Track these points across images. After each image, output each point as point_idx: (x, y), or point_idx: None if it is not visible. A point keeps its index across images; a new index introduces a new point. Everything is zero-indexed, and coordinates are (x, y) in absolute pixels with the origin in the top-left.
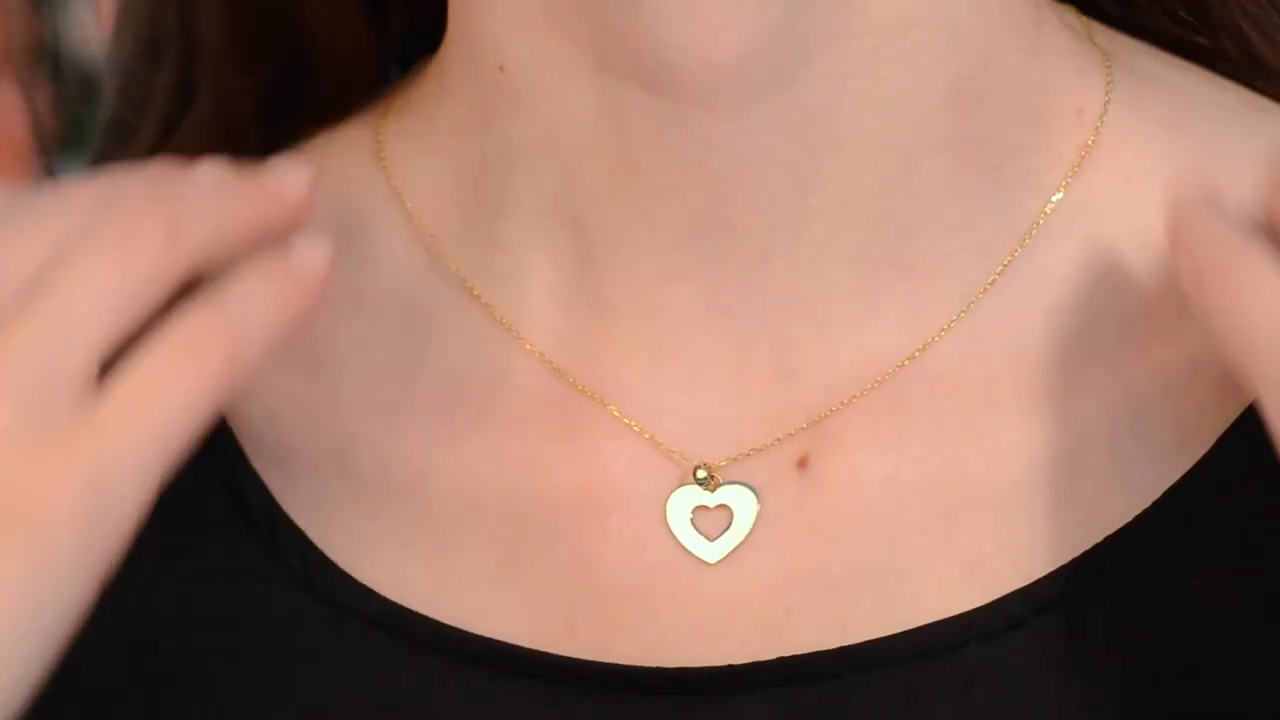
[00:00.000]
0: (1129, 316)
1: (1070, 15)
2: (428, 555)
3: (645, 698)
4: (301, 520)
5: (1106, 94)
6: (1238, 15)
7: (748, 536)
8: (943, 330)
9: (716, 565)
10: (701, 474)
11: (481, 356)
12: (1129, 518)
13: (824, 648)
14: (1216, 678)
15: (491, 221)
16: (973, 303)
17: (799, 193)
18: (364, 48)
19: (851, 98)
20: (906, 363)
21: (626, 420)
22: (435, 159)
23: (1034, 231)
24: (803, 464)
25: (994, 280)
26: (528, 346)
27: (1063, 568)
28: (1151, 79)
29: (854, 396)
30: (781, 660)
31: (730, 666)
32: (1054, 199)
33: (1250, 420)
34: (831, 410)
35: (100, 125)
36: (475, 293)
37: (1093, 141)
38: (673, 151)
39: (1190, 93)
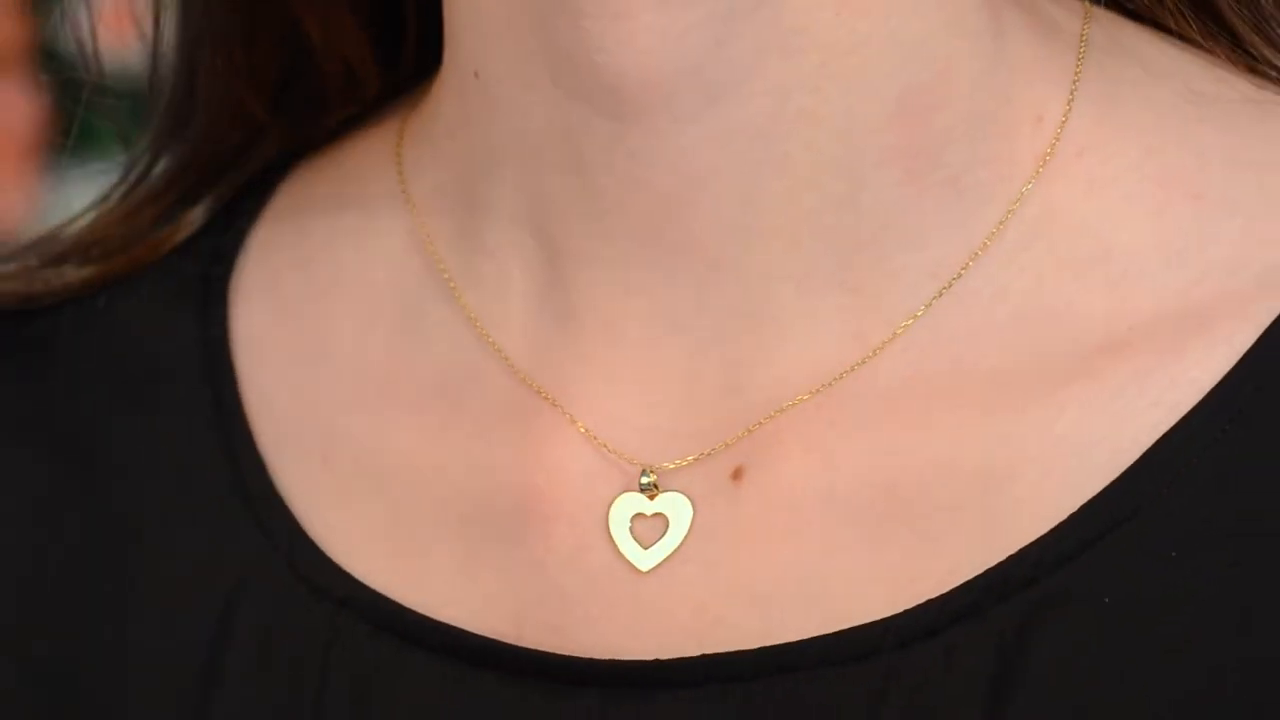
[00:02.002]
0: (1081, 334)
1: (1061, 13)
2: (399, 548)
3: (579, 689)
4: (291, 502)
5: (1069, 101)
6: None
7: (680, 546)
8: (883, 345)
9: (649, 573)
10: (645, 480)
11: (458, 358)
12: (1046, 531)
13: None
14: (1130, 690)
15: (477, 225)
16: (918, 317)
17: (745, 210)
18: (363, 48)
19: (794, 115)
20: (845, 376)
21: (581, 427)
22: (435, 160)
23: (988, 245)
24: (737, 475)
25: (941, 295)
26: (499, 350)
27: (978, 578)
28: (1133, 83)
29: (788, 406)
30: (704, 658)
31: (657, 661)
32: (1009, 213)
33: (1179, 438)
34: (765, 414)
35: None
36: (459, 294)
37: (1052, 150)
38: (619, 168)
39: (1183, 93)
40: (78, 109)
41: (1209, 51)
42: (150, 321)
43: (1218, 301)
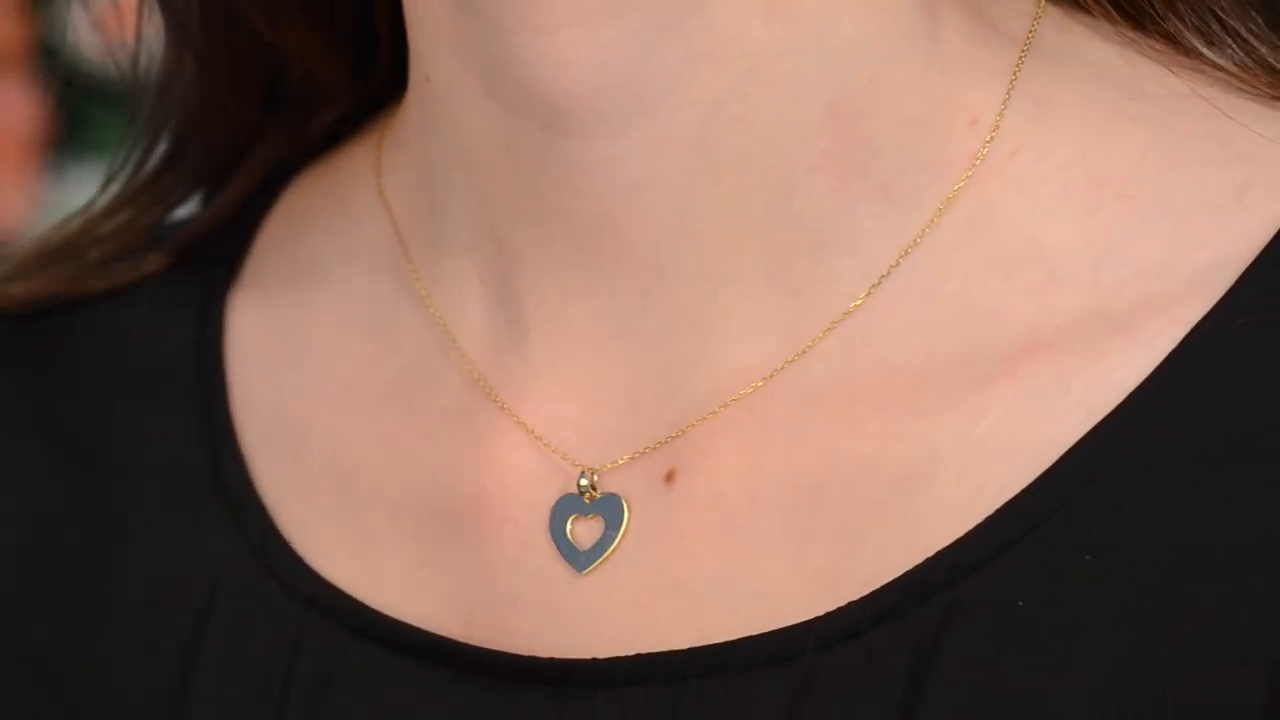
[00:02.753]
0: (1007, 335)
1: (1006, 13)
2: (360, 547)
3: (526, 687)
4: (266, 501)
5: (1004, 103)
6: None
7: (615, 548)
8: (812, 344)
9: (585, 575)
10: (583, 482)
11: (419, 360)
12: (964, 533)
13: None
14: (1041, 693)
15: (440, 228)
16: (847, 316)
17: (679, 218)
18: (329, 59)
19: (725, 123)
20: (775, 375)
21: (527, 429)
22: (405, 162)
23: (918, 245)
24: (670, 477)
25: (870, 294)
26: (456, 353)
27: (897, 580)
28: (1073, 83)
29: (721, 407)
30: (638, 657)
31: (594, 660)
32: (941, 213)
33: (1098, 440)
34: (699, 420)
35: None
36: (425, 297)
37: (985, 150)
38: (555, 177)
39: (1125, 91)
40: (77, 109)
41: (1159, 49)
42: (152, 325)
43: (1145, 302)
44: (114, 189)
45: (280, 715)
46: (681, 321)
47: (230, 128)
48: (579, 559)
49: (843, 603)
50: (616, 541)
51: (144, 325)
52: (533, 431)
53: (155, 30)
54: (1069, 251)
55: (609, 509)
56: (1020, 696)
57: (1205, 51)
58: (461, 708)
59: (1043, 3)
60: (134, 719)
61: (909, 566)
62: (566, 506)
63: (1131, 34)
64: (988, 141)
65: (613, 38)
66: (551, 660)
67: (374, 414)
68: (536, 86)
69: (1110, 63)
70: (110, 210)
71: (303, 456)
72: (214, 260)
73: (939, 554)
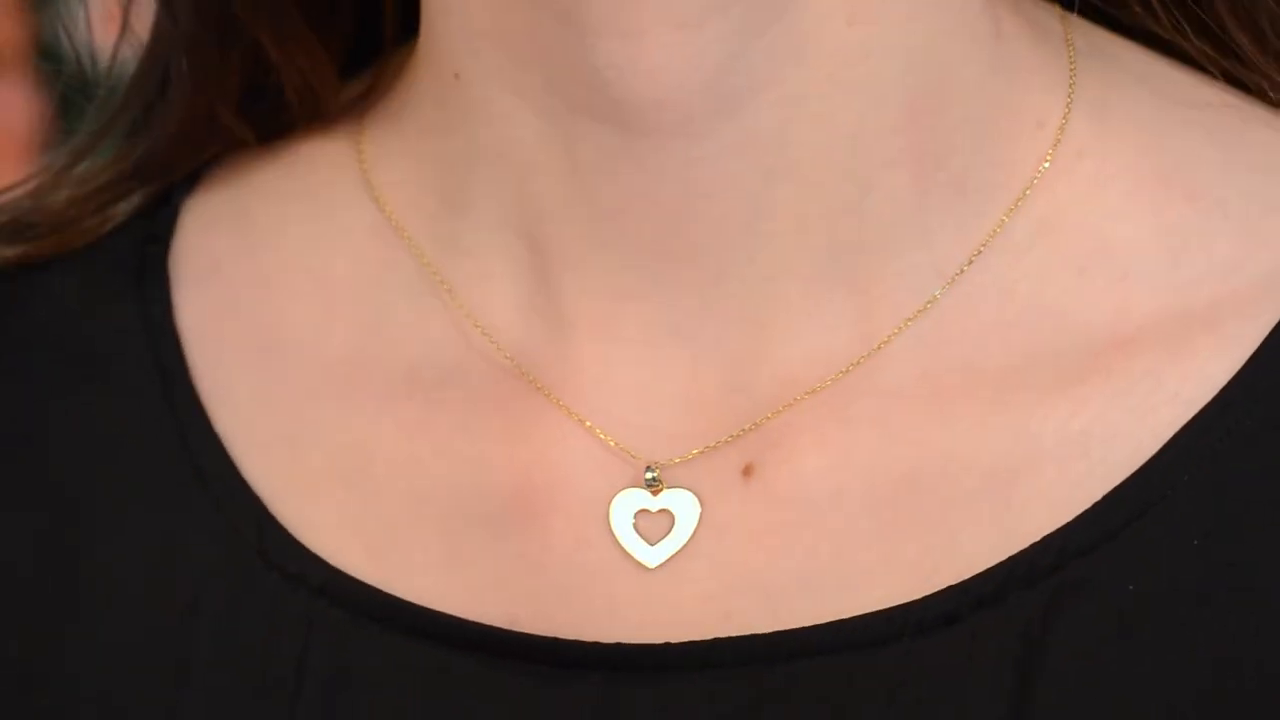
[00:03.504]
0: (1088, 331)
1: (1046, 16)
2: (375, 540)
3: (584, 673)
4: (258, 492)
5: (1068, 104)
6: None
7: (688, 542)
8: (888, 340)
9: (656, 570)
10: (650, 475)
11: (435, 353)
12: (1070, 519)
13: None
14: (1153, 677)
15: (454, 225)
16: (920, 313)
17: (753, 217)
18: (323, 66)
19: (805, 123)
20: (851, 371)
21: (578, 419)
22: (405, 154)
23: (990, 245)
24: (747, 471)
25: (946, 292)
26: (483, 346)
27: (1002, 564)
28: (1122, 85)
29: (796, 400)
30: (716, 641)
31: (666, 644)
32: (1012, 213)
33: (1198, 430)
34: (773, 412)
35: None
36: (444, 288)
37: (1052, 153)
38: (622, 179)
39: (1166, 96)
40: (77, 108)
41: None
42: (86, 301)
43: (1222, 300)
44: (58, 168)
45: (294, 708)
46: (745, 320)
47: (199, 127)
48: (647, 553)
49: (939, 588)
50: (690, 536)
51: (76, 301)
52: (586, 423)
53: (139, 29)
54: (1143, 250)
55: (679, 503)
56: (1132, 681)
57: (1249, 52)
58: (504, 695)
59: (1060, 8)
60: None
61: (1014, 551)
62: (630, 500)
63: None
64: (1055, 142)
65: (703, 43)
66: (618, 645)
67: (386, 404)
68: (620, 90)
69: (1138, 67)
70: (49, 187)
71: (298, 447)
72: (143, 235)
73: (1046, 538)
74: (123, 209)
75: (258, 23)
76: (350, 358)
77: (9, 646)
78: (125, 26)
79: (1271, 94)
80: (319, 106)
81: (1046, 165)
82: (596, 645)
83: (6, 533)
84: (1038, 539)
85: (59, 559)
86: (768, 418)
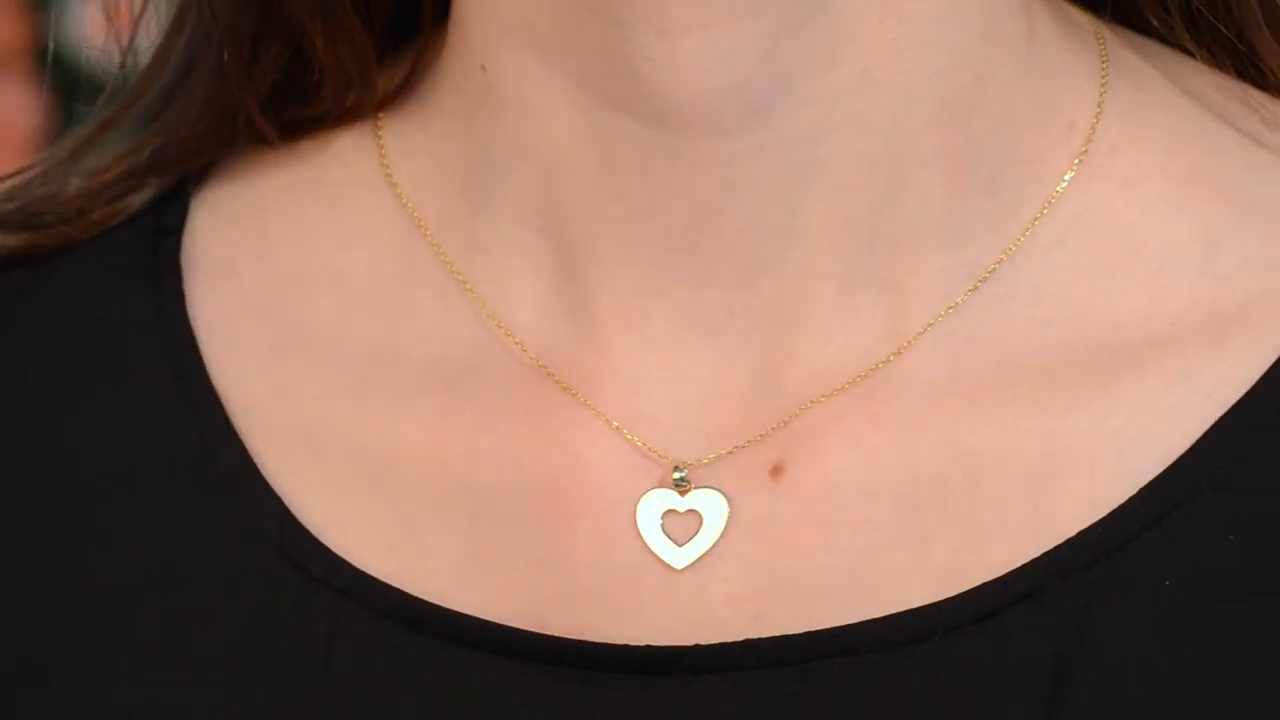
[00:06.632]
0: (1121, 330)
1: (1077, 16)
2: (397, 541)
3: (613, 676)
4: (279, 491)
5: (1100, 104)
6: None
7: (717, 543)
8: (918, 337)
9: (684, 571)
10: (678, 475)
11: (456, 351)
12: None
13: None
14: (1185, 677)
15: (477, 220)
16: (951, 311)
17: (786, 215)
18: (365, 58)
19: (839, 121)
20: (880, 369)
21: (610, 422)
22: (428, 149)
23: (1021, 243)
24: (776, 472)
25: (976, 289)
26: (505, 345)
27: (1038, 560)
28: (1153, 85)
29: (824, 397)
30: (748, 642)
31: (696, 646)
32: (1045, 211)
33: (1231, 427)
34: (802, 411)
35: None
36: (466, 285)
37: (1085, 152)
38: (654, 176)
39: (1195, 96)
40: (77, 109)
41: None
42: (97, 293)
43: (1257, 298)
44: (64, 157)
45: (317, 711)
46: (775, 319)
47: (221, 120)
48: (675, 554)
49: (972, 586)
50: (719, 536)
51: (86, 294)
52: (613, 423)
53: (151, 26)
54: (1177, 248)
55: (707, 503)
56: (1170, 677)
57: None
58: (531, 699)
59: (1089, 14)
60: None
61: (1047, 548)
62: (658, 500)
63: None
64: (1088, 141)
65: (738, 42)
66: (648, 647)
67: (406, 402)
68: (654, 87)
69: (1167, 67)
70: (58, 176)
71: (320, 447)
72: (154, 228)
73: (1081, 534)
74: (134, 201)
75: (309, 13)
76: (370, 355)
77: (23, 645)
78: (138, 23)
79: None
80: (354, 104)
81: (1078, 164)
82: (625, 648)
83: (17, 529)
84: (1073, 535)
85: (72, 557)
86: (797, 416)
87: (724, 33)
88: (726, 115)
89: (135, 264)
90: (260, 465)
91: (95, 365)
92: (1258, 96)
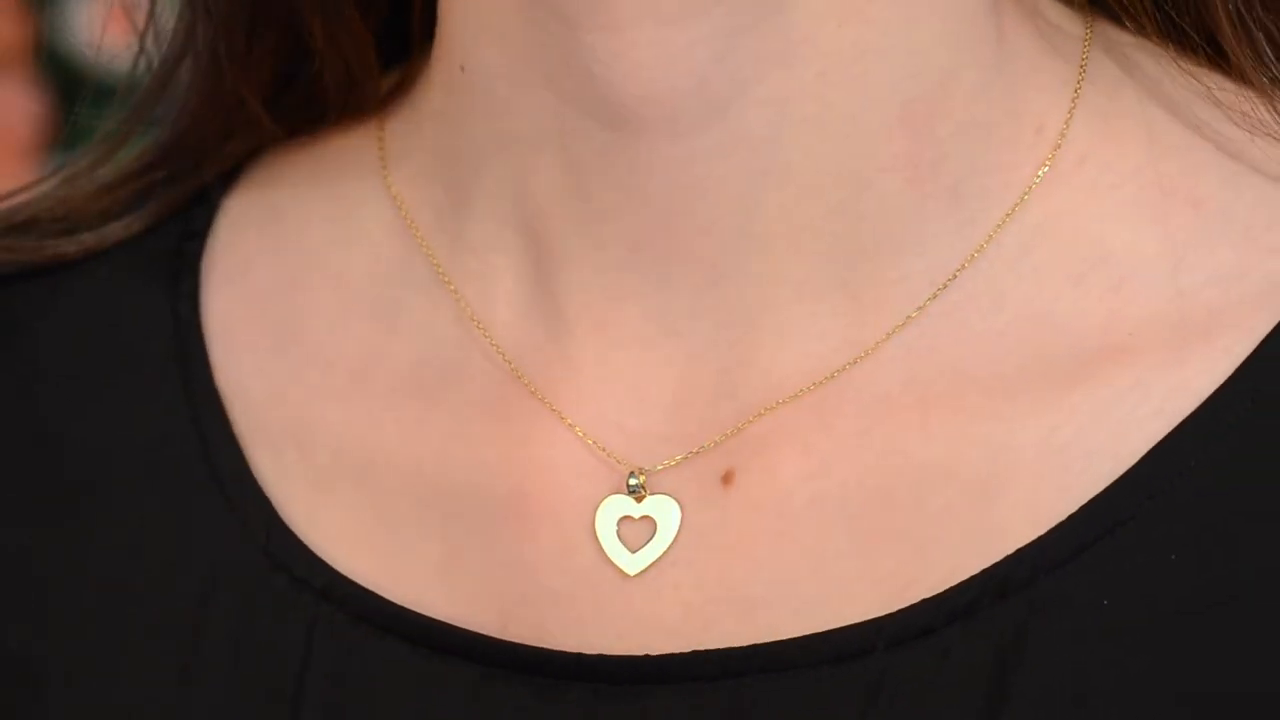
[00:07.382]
0: (1080, 340)
1: (1061, 19)
2: (378, 543)
3: (566, 684)
4: (268, 491)
5: (1071, 110)
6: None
7: (668, 550)
8: (875, 347)
9: (636, 577)
10: (633, 482)
11: (437, 352)
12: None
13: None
14: (1123, 695)
15: (460, 221)
16: (910, 320)
17: (746, 218)
18: (366, 52)
19: (797, 124)
20: (836, 377)
21: (574, 427)
22: (422, 150)
23: (984, 251)
24: (727, 479)
25: (936, 298)
26: (483, 346)
27: (976, 577)
28: (1132, 90)
29: (778, 404)
30: (695, 654)
31: (646, 656)
32: (1008, 219)
33: (1176, 443)
34: (755, 418)
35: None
36: (450, 286)
37: (1052, 159)
38: (615, 176)
39: (1174, 104)
40: (77, 109)
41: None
42: (118, 299)
43: (1221, 309)
44: (87, 164)
45: (296, 712)
46: (736, 324)
47: (227, 119)
48: (629, 560)
49: (914, 601)
50: (670, 543)
51: (109, 299)
52: (575, 429)
53: (159, 25)
54: (1143, 257)
55: (660, 510)
56: (1108, 695)
57: (1247, 69)
58: (494, 705)
59: (1088, 13)
60: (132, 717)
61: (988, 564)
62: (614, 506)
63: (1158, 48)
64: (1055, 148)
65: (690, 40)
66: (600, 656)
67: (389, 404)
68: (607, 86)
69: (1157, 73)
70: (80, 182)
71: (307, 448)
72: (180, 232)
73: (1019, 551)
74: (154, 207)
75: (310, 7)
76: (361, 357)
77: (15, 641)
78: (150, 23)
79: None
80: (356, 97)
81: (1045, 171)
82: (579, 656)
83: (18, 529)
84: (1012, 552)
85: (72, 558)
86: (750, 423)
87: (673, 32)
88: (682, 116)
89: (158, 267)
90: (253, 465)
91: (111, 368)
92: (1243, 106)
